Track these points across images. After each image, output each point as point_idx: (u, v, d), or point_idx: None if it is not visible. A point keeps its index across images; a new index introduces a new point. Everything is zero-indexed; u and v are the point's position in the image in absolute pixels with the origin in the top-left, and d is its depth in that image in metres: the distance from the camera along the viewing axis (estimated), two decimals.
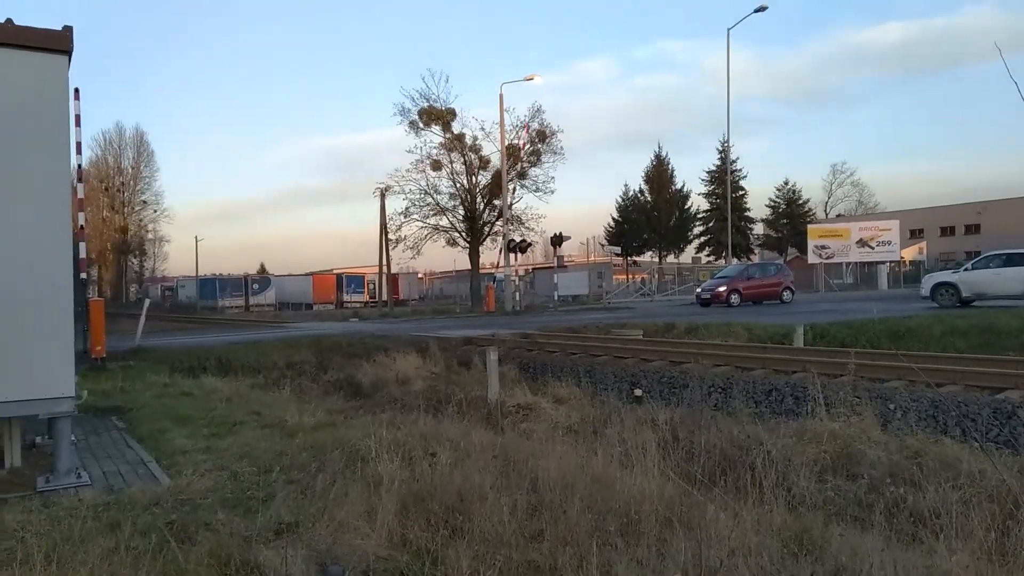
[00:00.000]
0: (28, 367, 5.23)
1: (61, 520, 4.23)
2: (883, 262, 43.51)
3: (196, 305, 50.87)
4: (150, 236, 66.12)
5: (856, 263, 45.05)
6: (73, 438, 5.97)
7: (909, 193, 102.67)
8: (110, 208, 62.19)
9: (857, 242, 43.03)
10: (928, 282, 22.89)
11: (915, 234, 60.11)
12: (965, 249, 51.97)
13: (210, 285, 54.26)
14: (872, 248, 42.87)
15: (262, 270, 77.83)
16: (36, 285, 5.26)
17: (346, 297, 55.10)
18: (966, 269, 22.12)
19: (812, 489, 4.90)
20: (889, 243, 42.49)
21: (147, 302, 22.18)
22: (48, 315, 5.28)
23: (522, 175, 38.45)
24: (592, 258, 64.83)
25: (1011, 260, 21.26)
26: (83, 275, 11.99)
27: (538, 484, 4.60)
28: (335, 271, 64.05)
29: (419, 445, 5.61)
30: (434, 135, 37.99)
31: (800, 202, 65.02)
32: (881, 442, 5.83)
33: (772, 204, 65.61)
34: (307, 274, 62.57)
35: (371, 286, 54.00)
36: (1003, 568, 3.68)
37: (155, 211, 64.78)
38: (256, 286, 54.89)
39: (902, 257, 47.10)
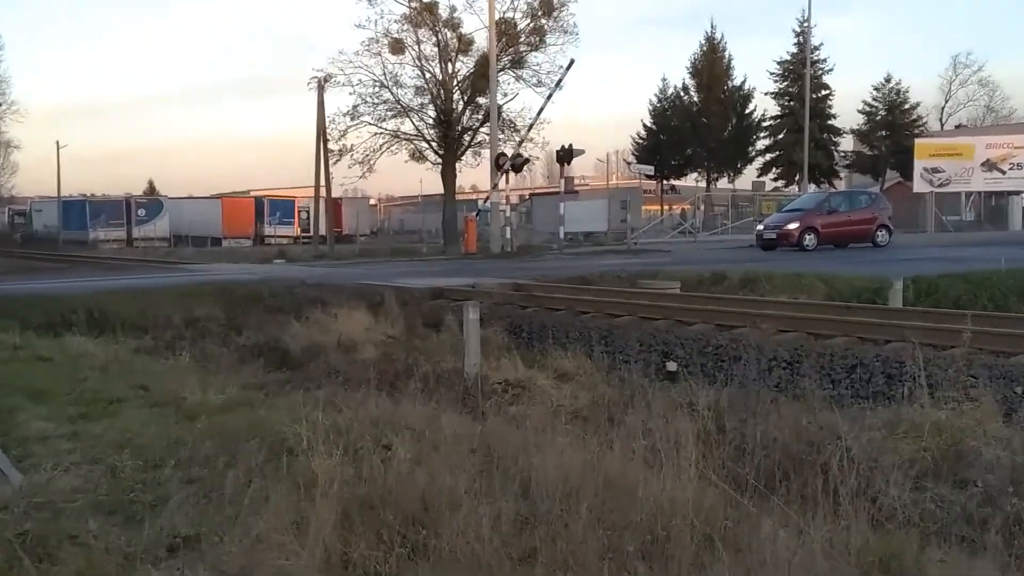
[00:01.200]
0: None
1: None
2: (1018, 192, 43.58)
3: (58, 237, 50.66)
4: None
5: (979, 194, 45.14)
6: None
7: None
8: None
9: (983, 164, 43.00)
10: None
11: None
12: None
13: (77, 210, 53.98)
14: (1003, 173, 42.87)
15: (151, 190, 77.32)
16: None
17: (268, 230, 54.98)
18: None
19: (905, 500, 4.98)
20: None
21: None
22: None
23: (518, 63, 37.86)
24: (614, 182, 64.62)
25: None
26: None
27: (531, 488, 4.67)
28: (253, 193, 63.73)
29: (369, 434, 5.67)
30: (396, 4, 37.30)
31: (906, 107, 64.61)
32: (1003, 438, 5.90)
33: (867, 110, 65.22)
34: (214, 197, 62.25)
35: (304, 215, 53.84)
36: None
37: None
38: (142, 212, 54.59)
39: None
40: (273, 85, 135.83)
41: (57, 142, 64.69)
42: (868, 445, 5.81)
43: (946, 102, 69.62)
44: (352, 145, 38.14)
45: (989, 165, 43.09)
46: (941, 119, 68.70)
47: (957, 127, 63.67)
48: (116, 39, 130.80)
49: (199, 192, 66.40)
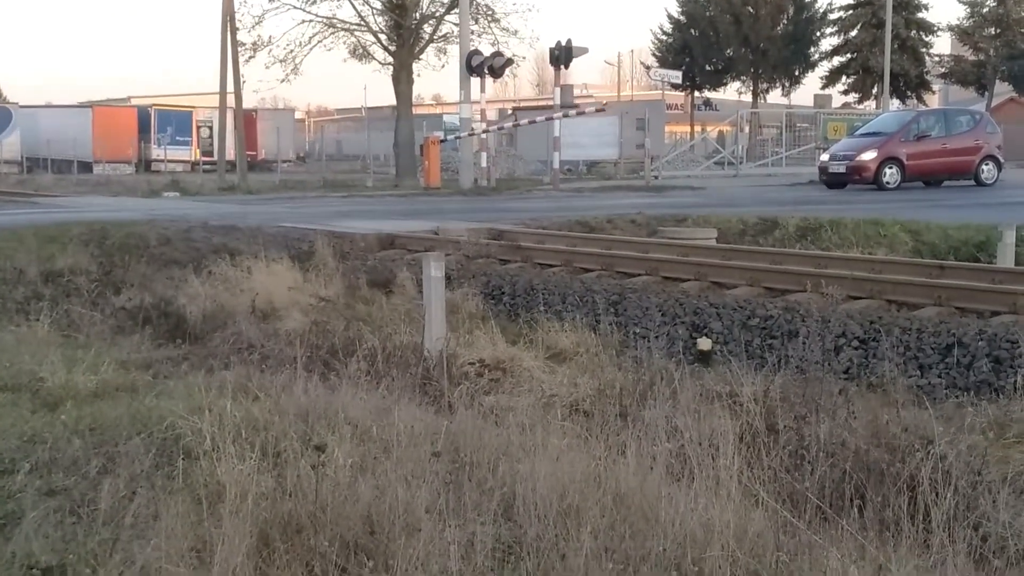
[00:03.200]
0: None
1: None
2: None
3: None
4: None
5: None
6: None
7: None
8: None
9: None
10: None
11: None
12: None
13: None
14: None
15: None
16: None
17: (157, 152, 54.62)
18: None
19: (1020, 527, 5.01)
20: None
21: None
22: None
23: None
24: (628, 92, 64.46)
25: None
26: None
27: (515, 506, 4.67)
28: (135, 102, 63.22)
29: (295, 431, 5.64)
30: None
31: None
32: None
33: (971, 1, 65.13)
34: (83, 105, 61.69)
35: (205, 133, 53.47)
36: None
37: None
38: None
39: None
40: None
41: None
42: (969, 453, 5.83)
43: None
44: (271, 37, 38.16)
45: None
46: None
47: None
48: None
49: (62, 100, 65.64)
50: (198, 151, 54.37)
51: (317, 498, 4.54)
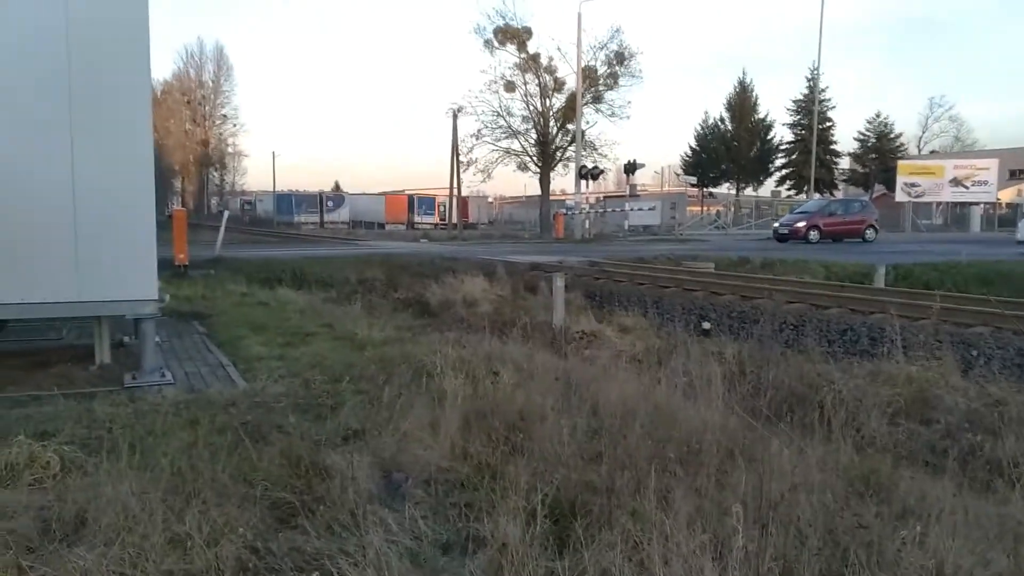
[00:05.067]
0: (115, 271, 5.50)
1: (145, 414, 4.50)
2: (977, 203, 41.03)
3: (273, 220, 52.28)
4: (230, 150, 67.84)
5: (947, 203, 42.68)
6: (158, 339, 6.30)
7: (1012, 132, 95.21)
8: (192, 121, 63.84)
9: (951, 181, 40.61)
10: None
11: (1015, 175, 56.24)
12: None
13: (286, 201, 55.54)
14: (967, 188, 40.42)
15: (336, 188, 79.11)
16: (123, 195, 5.48)
17: (417, 218, 55.64)
18: None
19: (883, 431, 4.77)
20: (986, 183, 39.97)
21: (226, 214, 22.95)
22: (134, 223, 5.51)
23: (597, 99, 37.37)
24: (666, 188, 63.33)
25: None
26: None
27: (599, 409, 4.62)
28: (407, 192, 64.62)
29: (483, 364, 5.68)
30: (509, 55, 37.17)
31: (891, 136, 61.31)
32: (960, 388, 5.61)
33: (861, 138, 62.10)
34: (380, 194, 63.31)
35: (442, 208, 54.27)
36: None
37: (235, 125, 66.28)
38: (331, 203, 55.95)
39: (999, 199, 44.30)
40: (424, 116, 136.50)
41: (273, 152, 66.74)
42: (855, 389, 5.59)
43: (923, 133, 65.93)
44: (476, 158, 38.70)
45: (956, 182, 40.67)
46: (919, 146, 65.02)
47: (931, 153, 60.37)
48: (315, 83, 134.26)
49: (370, 190, 67.42)
50: (438, 218, 55.08)
51: (494, 399, 4.58)
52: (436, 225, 53.15)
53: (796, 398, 5.36)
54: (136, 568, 2.66)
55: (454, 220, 42.72)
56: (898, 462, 4.22)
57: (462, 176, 40.10)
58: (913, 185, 41.10)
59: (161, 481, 3.26)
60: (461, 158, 38.90)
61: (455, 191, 40.89)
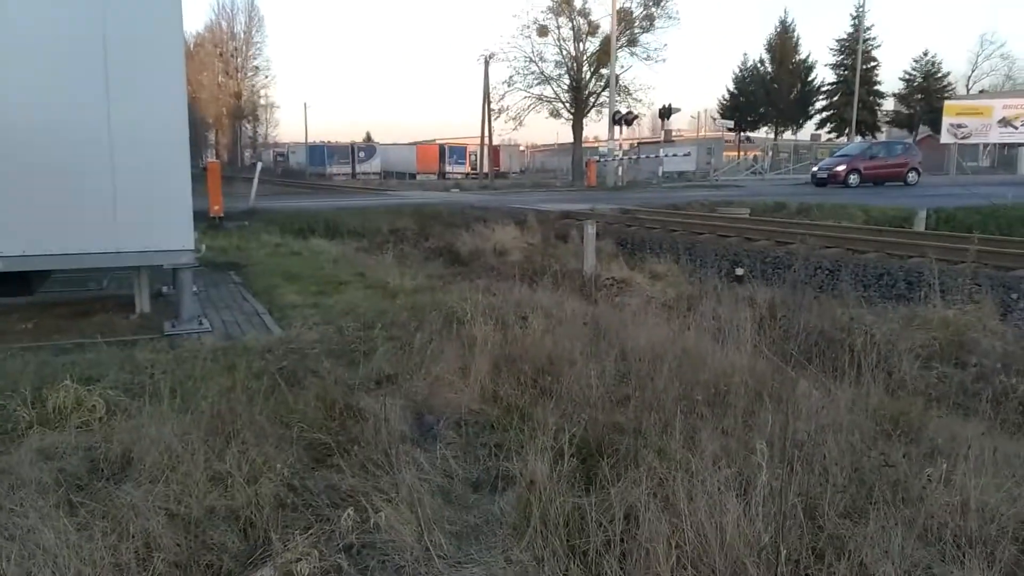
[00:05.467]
0: (152, 222, 5.63)
1: (185, 360, 4.66)
2: None
3: (305, 171, 52.51)
4: (262, 102, 67.81)
5: (995, 144, 41.13)
6: (195, 288, 6.46)
7: None
8: (224, 74, 63.79)
9: (999, 121, 38.96)
10: None
11: None
12: None
13: (319, 152, 55.65)
14: (1016, 128, 38.77)
15: (368, 139, 78.95)
16: (159, 147, 5.57)
17: (448, 168, 55.41)
18: None
19: (915, 374, 4.74)
20: None
21: (259, 165, 23.11)
22: (169, 175, 5.61)
23: (632, 42, 36.48)
24: (702, 133, 61.99)
25: None
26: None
27: (627, 353, 4.65)
28: (438, 142, 64.25)
29: (513, 311, 5.72)
30: None
31: (939, 75, 58.90)
32: (998, 332, 5.53)
33: (907, 78, 59.77)
34: (411, 144, 63.09)
35: (473, 158, 53.95)
36: None
37: (267, 77, 66.22)
38: (362, 154, 55.92)
39: None
40: (452, 61, 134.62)
41: (304, 104, 66.73)
42: (889, 333, 5.53)
43: (972, 71, 63.15)
44: (508, 106, 38.30)
45: (1005, 122, 39.00)
46: (967, 86, 62.44)
47: (981, 92, 57.84)
48: (345, 31, 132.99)
49: (401, 140, 67.10)
50: (469, 167, 54.80)
51: (523, 345, 4.63)
52: (467, 175, 52.93)
53: (827, 341, 5.32)
54: (180, 504, 2.79)
55: (485, 169, 42.49)
56: (929, 404, 4.20)
57: (493, 124, 39.74)
58: (960, 126, 39.56)
59: (202, 423, 3.39)
60: (492, 106, 38.51)
61: (486, 140, 40.55)
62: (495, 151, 46.01)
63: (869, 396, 4.01)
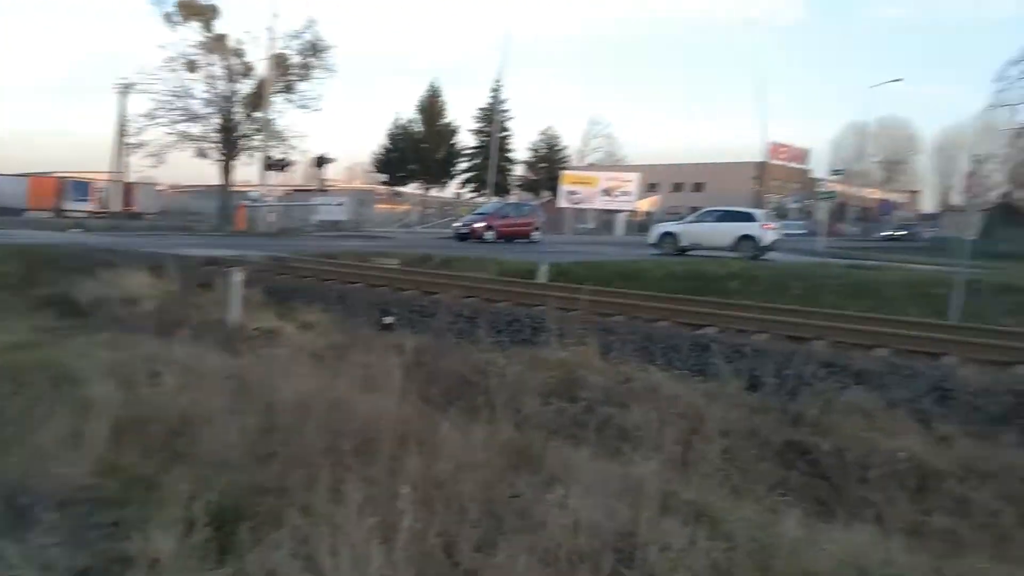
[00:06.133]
0: None
1: None
2: (622, 211, 47.65)
3: None
4: None
5: (600, 210, 48.84)
6: None
7: (652, 150, 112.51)
8: None
9: (603, 191, 46.59)
10: (655, 231, 25.86)
11: (653, 188, 66.47)
12: (691, 205, 58.49)
13: None
14: (614, 197, 46.71)
15: None
16: None
17: (69, 205, 48.30)
18: (687, 221, 25.25)
19: (538, 410, 5.30)
20: (629, 194, 46.54)
21: None
22: None
23: (289, 88, 35.93)
24: (356, 184, 63.23)
25: (724, 216, 24.57)
26: None
27: (275, 407, 4.47)
28: (58, 174, 55.81)
29: (142, 367, 5.16)
30: (192, 32, 34.07)
31: (558, 148, 68.75)
32: (601, 369, 6.45)
33: (534, 148, 68.62)
34: (22, 175, 53.77)
35: (100, 194, 47.87)
36: (684, 473, 4.30)
37: None
38: None
39: (638, 207, 51.94)
40: (85, 89, 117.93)
41: None
42: (517, 374, 6.12)
43: (584, 147, 75.17)
44: (147, 141, 34.85)
45: (606, 192, 46.75)
46: (580, 158, 73.74)
47: (590, 165, 68.60)
48: None
49: (10, 170, 56.78)
50: (97, 204, 48.27)
51: (153, 404, 4.18)
52: (93, 214, 46.64)
53: (467, 384, 5.72)
54: None
55: (116, 208, 37.97)
56: (550, 436, 4.72)
57: (129, 160, 35.83)
58: (574, 193, 46.37)
59: None
60: (130, 140, 34.70)
61: (118, 175, 36.33)
62: (128, 188, 41.49)
63: (500, 432, 4.38)
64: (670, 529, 3.25)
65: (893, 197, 74.96)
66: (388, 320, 10.48)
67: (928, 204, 74.62)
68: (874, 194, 75.22)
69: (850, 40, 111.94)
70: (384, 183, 60.54)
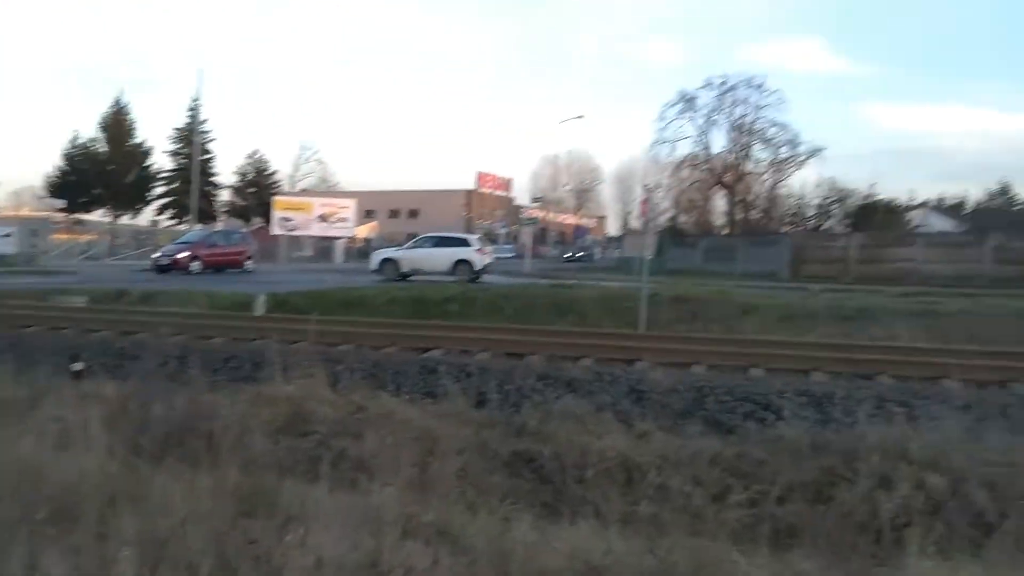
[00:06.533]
0: None
1: None
2: (340, 237, 47.21)
3: None
4: None
5: (316, 237, 47.88)
6: None
7: (367, 176, 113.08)
8: None
9: (318, 217, 45.72)
10: (376, 257, 26.15)
11: (369, 214, 66.78)
12: (408, 231, 59.82)
13: None
14: (331, 224, 46.10)
15: None
16: None
17: None
18: (406, 248, 25.89)
19: (266, 449, 5.08)
20: (346, 220, 46.24)
21: None
22: None
23: None
24: (26, 212, 54.63)
25: (440, 242, 25.63)
26: None
27: None
28: None
29: None
30: None
31: (268, 172, 66.11)
32: (330, 400, 6.34)
33: (241, 172, 65.17)
34: None
35: None
36: (423, 494, 4.42)
37: None
38: None
39: (356, 234, 51.84)
40: None
41: None
42: (240, 414, 5.78)
43: (295, 172, 73.20)
44: None
45: (323, 218, 45.94)
46: (293, 184, 71.66)
47: (302, 191, 67.00)
48: None
49: None
50: None
51: None
52: None
53: (184, 430, 5.28)
54: None
55: None
56: (283, 475, 4.54)
57: None
58: (288, 220, 44.85)
59: None
60: None
61: None
62: None
63: (227, 478, 4.13)
64: (413, 551, 3.34)
65: (585, 222, 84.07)
66: (78, 367, 9.24)
67: (613, 228, 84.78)
68: (568, 220, 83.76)
69: (543, 76, 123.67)
70: (62, 210, 53.10)
